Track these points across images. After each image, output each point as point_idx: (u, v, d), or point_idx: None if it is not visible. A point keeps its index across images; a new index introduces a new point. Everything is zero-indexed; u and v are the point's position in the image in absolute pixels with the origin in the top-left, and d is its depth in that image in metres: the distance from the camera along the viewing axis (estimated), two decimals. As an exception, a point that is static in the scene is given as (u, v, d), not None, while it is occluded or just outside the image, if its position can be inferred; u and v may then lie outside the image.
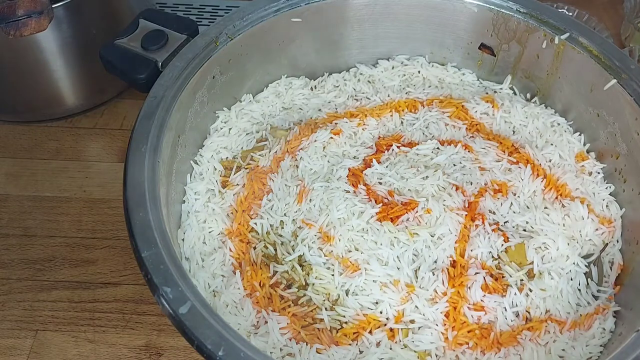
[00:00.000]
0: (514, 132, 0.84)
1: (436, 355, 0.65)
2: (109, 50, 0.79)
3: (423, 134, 0.83)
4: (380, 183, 0.75)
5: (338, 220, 0.71)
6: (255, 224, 0.74)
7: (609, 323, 0.67)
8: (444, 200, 0.73)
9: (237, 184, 0.78)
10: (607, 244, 0.74)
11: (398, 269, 0.69)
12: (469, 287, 0.67)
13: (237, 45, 0.82)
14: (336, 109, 0.88)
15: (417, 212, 0.72)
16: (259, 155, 0.81)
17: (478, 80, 0.93)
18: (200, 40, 0.79)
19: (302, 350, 0.64)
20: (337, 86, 0.91)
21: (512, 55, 0.88)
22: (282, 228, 0.74)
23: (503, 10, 0.85)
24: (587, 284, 0.71)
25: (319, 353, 0.64)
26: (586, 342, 0.66)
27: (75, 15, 0.90)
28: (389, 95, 0.89)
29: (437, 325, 0.66)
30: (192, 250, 0.73)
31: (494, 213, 0.74)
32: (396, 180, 0.75)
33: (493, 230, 0.72)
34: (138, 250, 0.60)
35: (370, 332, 0.65)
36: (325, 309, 0.67)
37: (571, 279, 0.70)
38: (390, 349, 0.65)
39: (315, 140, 0.80)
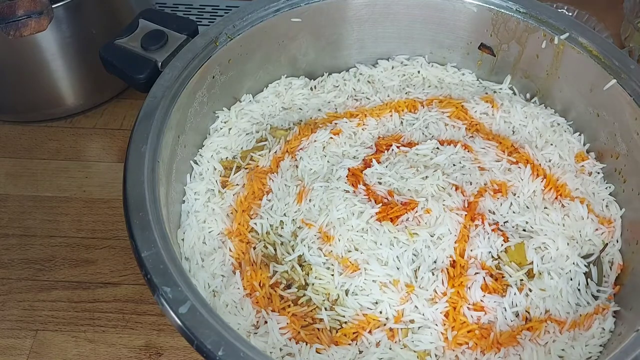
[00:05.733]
0: (513, 132, 0.84)
1: (436, 356, 0.65)
2: (109, 50, 0.79)
3: (423, 134, 0.83)
4: (380, 183, 0.76)
5: (338, 220, 0.71)
6: (255, 224, 0.74)
7: (609, 323, 0.67)
8: (444, 200, 0.73)
9: (237, 184, 0.78)
10: (606, 244, 0.74)
11: (398, 269, 0.69)
12: (469, 287, 0.67)
13: (237, 45, 0.82)
14: (336, 109, 0.88)
15: (416, 212, 0.72)
16: (259, 155, 0.81)
17: (478, 80, 0.93)
18: (200, 40, 0.79)
19: (302, 350, 0.64)
20: (337, 86, 0.91)
21: (512, 55, 0.88)
22: (282, 228, 0.74)
23: (502, 10, 0.85)
24: (587, 284, 0.71)
25: (319, 353, 0.64)
26: (586, 342, 0.66)
27: (75, 15, 0.90)
28: (388, 95, 0.89)
29: (436, 325, 0.66)
30: (192, 250, 0.73)
31: (494, 213, 0.74)
32: (396, 180, 0.75)
33: (493, 230, 0.72)
34: (138, 250, 0.60)
35: (369, 332, 0.66)
36: (325, 309, 0.67)
37: (571, 279, 0.70)
38: (390, 349, 0.65)
39: (315, 140, 0.80)
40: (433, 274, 0.68)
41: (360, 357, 0.64)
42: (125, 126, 1.02)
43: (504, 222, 0.74)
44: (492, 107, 0.85)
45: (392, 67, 0.93)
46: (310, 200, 0.74)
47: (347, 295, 0.68)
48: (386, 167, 0.77)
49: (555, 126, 0.85)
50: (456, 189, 0.74)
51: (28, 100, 0.98)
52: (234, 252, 0.72)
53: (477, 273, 0.68)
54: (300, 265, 0.70)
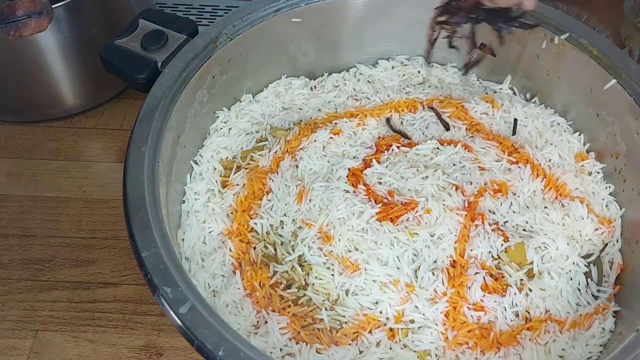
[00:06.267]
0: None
1: (436, 355, 0.65)
2: (109, 50, 0.79)
3: (423, 134, 0.83)
4: (380, 183, 0.76)
5: (338, 220, 0.71)
6: (255, 224, 0.74)
7: (609, 323, 0.67)
8: (444, 200, 0.73)
9: (237, 184, 0.78)
10: (606, 243, 0.74)
11: (398, 268, 0.69)
12: (469, 287, 0.67)
13: (237, 45, 0.82)
14: (336, 109, 0.88)
15: (417, 212, 0.72)
16: (259, 155, 0.81)
17: (478, 80, 0.93)
18: (200, 40, 0.79)
19: (302, 350, 0.64)
20: (337, 86, 0.91)
21: (512, 55, 0.88)
22: (282, 228, 0.74)
23: (503, 10, 0.85)
24: (587, 283, 0.71)
25: (319, 353, 0.64)
26: (586, 341, 0.66)
27: (75, 15, 0.90)
28: (388, 95, 0.89)
29: (437, 325, 0.66)
30: (192, 250, 0.73)
31: (494, 213, 0.74)
32: (396, 180, 0.75)
33: (493, 230, 0.72)
34: (138, 250, 0.60)
35: (370, 332, 0.66)
36: (325, 309, 0.67)
37: (571, 279, 0.70)
38: (390, 348, 0.65)
39: (315, 140, 0.80)
40: (433, 274, 0.68)
41: (361, 357, 0.64)
42: (125, 126, 1.02)
43: (504, 222, 0.74)
44: (492, 107, 0.85)
45: (392, 67, 0.93)
46: (310, 200, 0.74)
47: (347, 295, 0.68)
48: (386, 167, 0.77)
49: (555, 126, 0.85)
50: (456, 189, 0.74)
51: (28, 100, 0.98)
52: (234, 252, 0.72)
53: (477, 273, 0.68)
54: (301, 265, 0.70)
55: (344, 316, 0.67)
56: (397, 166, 0.77)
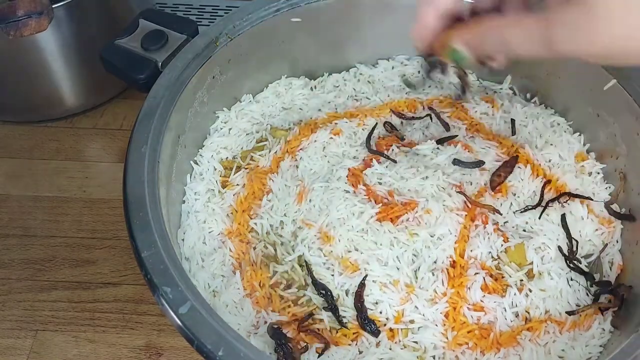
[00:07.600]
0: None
1: (436, 356, 0.65)
2: (109, 50, 0.79)
3: (423, 134, 0.83)
4: (380, 183, 0.75)
5: (338, 220, 0.71)
6: (255, 224, 0.74)
7: (609, 323, 0.67)
8: (444, 201, 0.73)
9: (237, 184, 0.78)
10: (606, 244, 0.74)
11: (398, 269, 0.69)
12: (469, 288, 0.67)
13: (237, 45, 0.82)
14: (336, 109, 0.88)
15: (416, 212, 0.72)
16: (259, 155, 0.81)
17: (478, 80, 0.93)
18: (200, 40, 0.79)
19: (302, 351, 0.64)
20: (337, 86, 0.91)
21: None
22: (282, 228, 0.74)
23: (503, 11, 0.85)
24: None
25: (319, 353, 0.64)
26: (586, 342, 0.66)
27: (75, 15, 0.90)
28: (388, 96, 0.89)
29: (436, 325, 0.66)
30: (192, 250, 0.73)
31: (494, 213, 0.74)
32: (396, 180, 0.75)
33: (493, 230, 0.72)
34: (138, 250, 0.60)
35: (370, 332, 0.65)
36: (325, 309, 0.67)
37: (571, 279, 0.70)
38: (390, 349, 0.65)
39: (315, 141, 0.80)
40: (433, 274, 0.68)
41: (360, 357, 0.64)
42: (125, 126, 1.02)
43: (504, 223, 0.73)
44: (492, 107, 0.85)
45: (393, 67, 0.93)
46: (310, 200, 0.74)
47: (347, 295, 0.68)
48: (386, 167, 0.77)
49: (555, 126, 0.85)
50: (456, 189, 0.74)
51: (28, 100, 0.98)
52: (234, 252, 0.72)
53: (477, 273, 0.68)
54: (300, 266, 0.70)
55: (344, 316, 0.67)
56: (397, 166, 0.77)
